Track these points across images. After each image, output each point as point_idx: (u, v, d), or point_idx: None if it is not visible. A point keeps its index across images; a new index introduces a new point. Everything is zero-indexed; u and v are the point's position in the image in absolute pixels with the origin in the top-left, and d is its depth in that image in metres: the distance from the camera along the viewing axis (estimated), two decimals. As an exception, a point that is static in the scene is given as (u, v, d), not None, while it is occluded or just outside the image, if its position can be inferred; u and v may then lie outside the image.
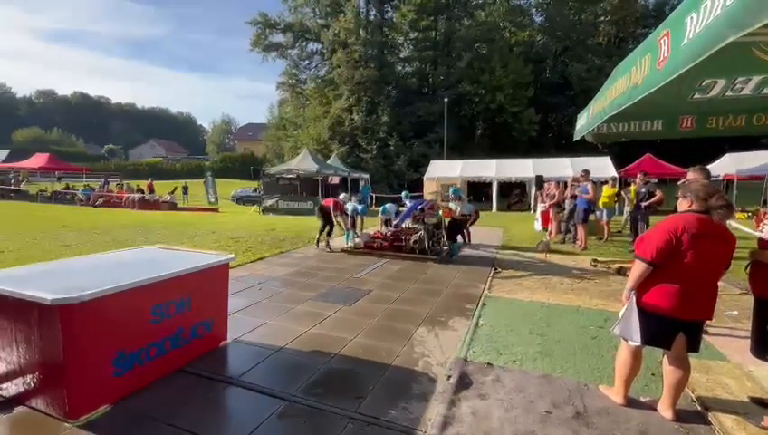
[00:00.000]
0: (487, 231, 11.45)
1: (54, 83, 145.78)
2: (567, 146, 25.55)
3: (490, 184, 20.01)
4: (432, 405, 2.55)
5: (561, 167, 17.62)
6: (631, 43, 32.78)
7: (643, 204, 8.30)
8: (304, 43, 36.36)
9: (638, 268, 2.32)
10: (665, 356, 2.41)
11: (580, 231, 8.42)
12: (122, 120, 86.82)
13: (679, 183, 3.91)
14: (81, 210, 17.18)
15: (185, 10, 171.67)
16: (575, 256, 7.55)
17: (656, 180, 13.48)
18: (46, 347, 2.27)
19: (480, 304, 4.65)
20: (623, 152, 20.46)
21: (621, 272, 5.95)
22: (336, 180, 18.81)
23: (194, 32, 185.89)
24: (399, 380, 2.88)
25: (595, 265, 6.62)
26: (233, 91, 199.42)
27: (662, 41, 1.99)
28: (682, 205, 2.38)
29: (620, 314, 2.46)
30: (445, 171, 21.01)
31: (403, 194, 8.32)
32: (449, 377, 2.90)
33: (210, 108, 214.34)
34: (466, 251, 8.17)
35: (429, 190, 20.57)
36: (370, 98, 30.05)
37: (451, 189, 8.45)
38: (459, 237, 8.38)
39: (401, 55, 34.96)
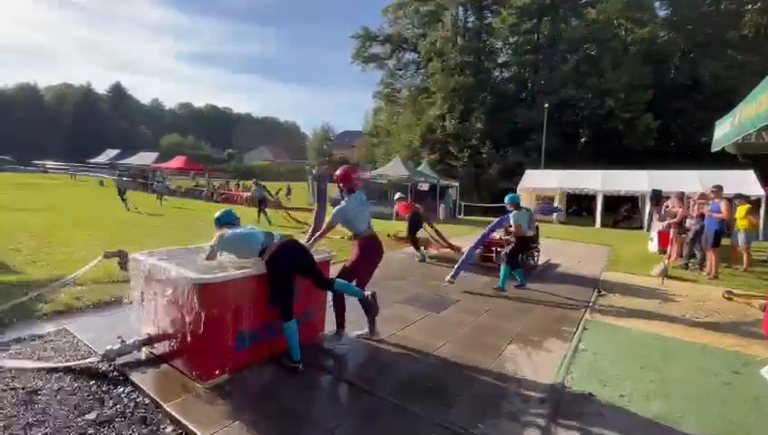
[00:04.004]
0: (590, 249, 10.44)
1: (192, 97, 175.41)
2: (693, 157, 21.91)
3: (594, 197, 18.16)
4: (524, 428, 2.42)
5: (685, 181, 15.15)
6: (790, 33, 26.92)
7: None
8: (401, 54, 37.47)
9: None
10: None
11: (710, 257, 7.18)
12: (240, 127, 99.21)
13: None
14: (206, 204, 20.07)
15: (295, 29, 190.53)
16: (702, 286, 6.46)
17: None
18: (188, 317, 2.73)
19: (580, 327, 4.27)
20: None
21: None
22: (426, 187, 18.92)
23: (302, 47, 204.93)
24: (488, 395, 2.80)
25: (729, 299, 5.58)
26: (332, 101, 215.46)
27: None
28: None
29: None
30: (541, 181, 19.68)
31: (507, 198, 6.07)
32: (543, 401, 2.73)
33: (312, 116, 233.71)
34: (561, 269, 7.54)
35: (523, 202, 19.47)
36: (464, 105, 29.57)
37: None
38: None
39: (499, 61, 33.80)
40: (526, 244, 6.06)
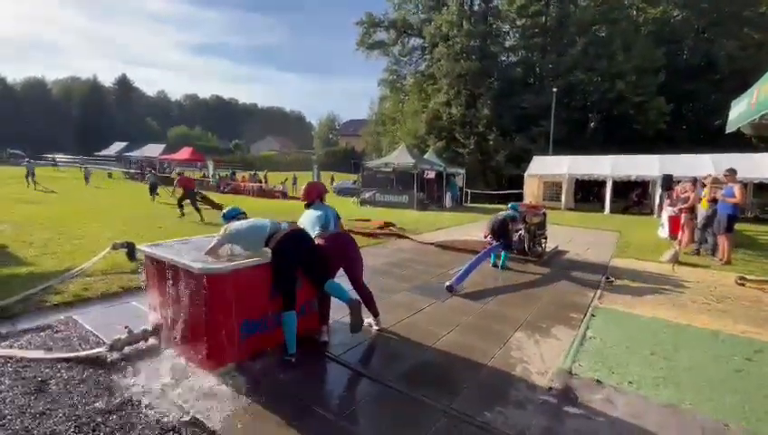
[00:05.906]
0: (599, 235, 10.31)
1: (197, 88, 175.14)
2: (706, 141, 21.40)
3: (603, 183, 17.88)
4: (531, 414, 2.41)
5: (698, 165, 14.81)
6: (811, 9, 25.89)
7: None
8: (406, 39, 36.85)
9: None
10: None
11: (723, 242, 7.03)
12: (246, 118, 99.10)
13: None
14: (212, 195, 20.18)
15: (298, 17, 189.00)
16: (714, 272, 6.34)
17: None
18: (194, 307, 2.73)
19: (588, 313, 4.22)
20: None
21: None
22: (432, 175, 18.76)
23: (306, 36, 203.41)
24: (495, 382, 2.79)
25: (742, 284, 5.48)
26: (338, 90, 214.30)
27: None
28: None
29: None
30: (549, 168, 19.40)
31: (510, 206, 6.43)
32: (551, 388, 2.71)
33: (318, 106, 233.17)
34: (570, 256, 7.46)
35: (531, 188, 19.25)
36: (470, 91, 29.13)
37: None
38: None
39: (506, 45, 33.09)
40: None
